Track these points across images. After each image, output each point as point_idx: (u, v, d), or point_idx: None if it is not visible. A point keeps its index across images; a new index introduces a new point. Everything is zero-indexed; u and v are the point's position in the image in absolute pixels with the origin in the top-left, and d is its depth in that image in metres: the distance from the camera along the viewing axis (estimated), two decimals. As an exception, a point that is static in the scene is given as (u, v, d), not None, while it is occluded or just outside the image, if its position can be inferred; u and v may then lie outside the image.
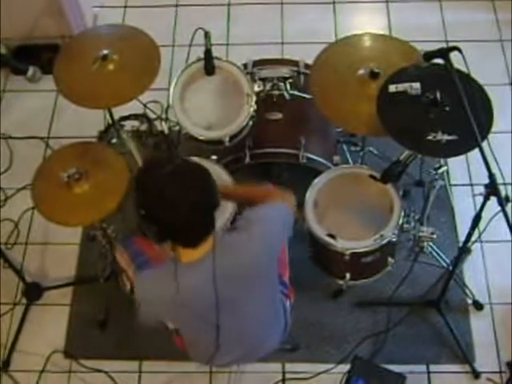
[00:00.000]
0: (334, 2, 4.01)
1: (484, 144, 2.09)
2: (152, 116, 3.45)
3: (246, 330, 2.18)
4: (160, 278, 1.98)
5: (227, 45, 3.85)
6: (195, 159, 2.65)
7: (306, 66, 2.95)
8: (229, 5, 4.03)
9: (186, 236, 1.92)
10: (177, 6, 4.04)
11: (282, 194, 2.25)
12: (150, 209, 1.86)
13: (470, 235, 2.39)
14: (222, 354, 2.17)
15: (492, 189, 2.07)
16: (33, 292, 3.13)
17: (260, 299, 2.15)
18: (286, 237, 2.19)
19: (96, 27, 3.80)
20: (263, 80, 2.90)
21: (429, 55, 2.32)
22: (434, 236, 2.82)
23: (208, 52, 2.79)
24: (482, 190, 2.12)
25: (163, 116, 3.52)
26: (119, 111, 3.11)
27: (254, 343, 2.30)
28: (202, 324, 2.05)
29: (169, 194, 1.82)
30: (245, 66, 2.97)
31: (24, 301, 3.12)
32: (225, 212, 2.58)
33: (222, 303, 1.97)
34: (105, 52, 2.69)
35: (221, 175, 2.67)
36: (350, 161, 3.22)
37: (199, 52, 2.84)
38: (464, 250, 2.54)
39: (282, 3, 4.02)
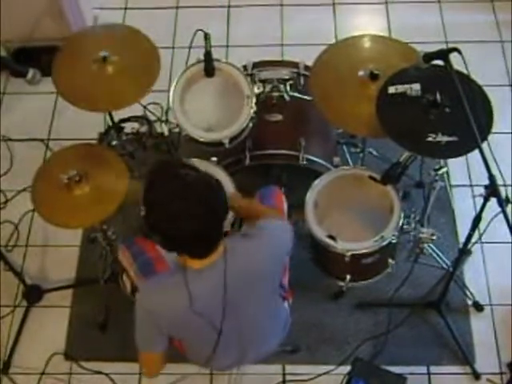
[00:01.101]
0: (333, 4, 4.01)
1: (484, 145, 2.09)
2: (152, 118, 3.45)
3: (245, 335, 2.18)
4: (170, 288, 1.96)
5: (227, 46, 3.85)
6: (196, 161, 2.67)
7: (306, 67, 2.95)
8: (229, 7, 4.03)
9: (192, 249, 1.90)
10: (177, 7, 4.05)
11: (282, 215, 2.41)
12: (157, 221, 1.84)
13: (470, 236, 2.39)
14: (219, 357, 2.16)
15: (492, 190, 2.07)
16: (33, 294, 3.13)
17: (261, 305, 2.15)
18: (288, 253, 2.20)
19: (95, 27, 3.78)
20: (263, 81, 2.90)
21: (428, 56, 2.31)
22: (434, 237, 2.82)
23: (208, 54, 2.79)
24: (482, 191, 2.12)
25: (163, 118, 3.52)
26: (119, 113, 3.11)
27: (253, 347, 2.29)
28: (208, 329, 2.03)
29: (175, 208, 1.79)
30: (245, 67, 2.97)
31: (24, 303, 3.12)
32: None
33: (228, 308, 1.97)
34: (104, 54, 2.69)
35: (221, 177, 2.67)
36: (350, 162, 3.23)
37: (199, 54, 2.84)
38: (464, 251, 2.54)
39: (281, 5, 4.02)
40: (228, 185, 2.67)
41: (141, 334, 2.06)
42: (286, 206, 2.63)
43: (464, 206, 3.23)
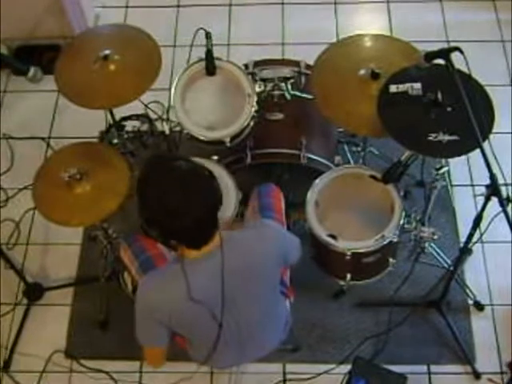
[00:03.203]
0: (335, 3, 4.01)
1: (485, 144, 2.09)
2: (153, 116, 3.45)
3: (244, 331, 2.18)
4: (168, 279, 1.97)
5: (228, 45, 3.85)
6: (197, 160, 2.67)
7: (307, 66, 2.95)
8: (230, 5, 4.03)
9: (189, 239, 1.91)
10: (178, 6, 4.05)
11: None
12: (152, 214, 1.86)
13: (471, 236, 2.39)
14: (220, 353, 2.16)
15: (493, 189, 2.07)
16: (34, 292, 3.14)
17: (260, 301, 2.15)
18: (293, 259, 2.23)
19: (97, 27, 3.80)
20: (264, 80, 2.90)
21: (430, 55, 2.31)
22: (435, 236, 2.82)
23: (209, 52, 2.79)
24: (483, 190, 2.12)
25: (164, 116, 3.52)
26: (120, 111, 3.11)
27: (252, 344, 2.29)
28: (208, 321, 2.03)
29: (170, 201, 1.81)
30: (246, 66, 2.97)
31: (25, 301, 3.13)
32: (226, 210, 2.58)
33: (226, 301, 1.98)
34: (106, 52, 2.69)
35: (222, 176, 2.67)
36: (351, 161, 3.22)
37: (200, 52, 2.84)
38: (465, 251, 2.54)
39: (283, 3, 4.02)
40: (229, 184, 2.67)
41: (141, 329, 2.07)
42: (283, 204, 2.63)
43: (465, 205, 3.23)
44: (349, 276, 2.78)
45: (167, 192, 1.81)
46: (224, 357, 2.28)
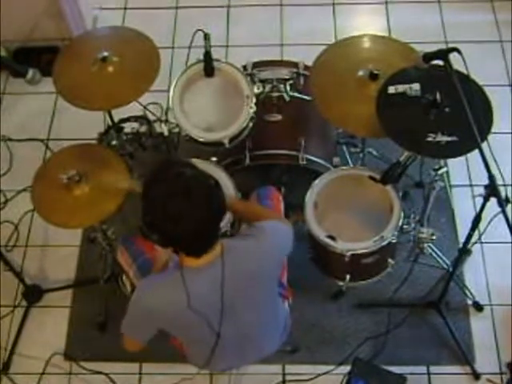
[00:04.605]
0: (333, 4, 4.01)
1: (484, 145, 2.09)
2: (152, 118, 3.45)
3: (244, 336, 2.18)
4: (167, 286, 1.96)
5: (227, 46, 3.85)
6: (195, 161, 2.67)
7: (306, 67, 2.95)
8: (228, 7, 4.03)
9: (188, 247, 1.91)
10: (177, 8, 4.05)
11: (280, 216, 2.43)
12: (155, 219, 1.85)
13: (469, 236, 2.39)
14: (218, 359, 2.16)
15: (492, 190, 2.07)
16: (33, 294, 3.13)
17: (260, 306, 2.15)
18: (288, 253, 2.20)
19: (96, 29, 3.80)
20: (263, 81, 2.90)
21: (428, 56, 2.32)
22: (434, 237, 2.82)
23: (207, 54, 2.80)
24: (481, 191, 2.12)
25: (163, 118, 3.52)
26: (119, 113, 3.11)
27: (252, 349, 2.29)
28: (206, 329, 2.03)
29: (174, 209, 1.80)
30: (244, 67, 2.97)
31: (24, 303, 3.12)
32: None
33: (225, 309, 1.97)
34: (104, 54, 2.69)
35: (221, 177, 2.67)
36: (350, 162, 3.22)
37: (199, 54, 2.84)
38: (464, 251, 2.54)
39: (281, 5, 4.02)
40: (228, 185, 2.67)
41: (129, 323, 2.05)
42: (282, 206, 2.63)
43: (464, 205, 3.23)
44: (348, 277, 2.78)
45: (171, 197, 1.81)
46: (222, 361, 2.27)
